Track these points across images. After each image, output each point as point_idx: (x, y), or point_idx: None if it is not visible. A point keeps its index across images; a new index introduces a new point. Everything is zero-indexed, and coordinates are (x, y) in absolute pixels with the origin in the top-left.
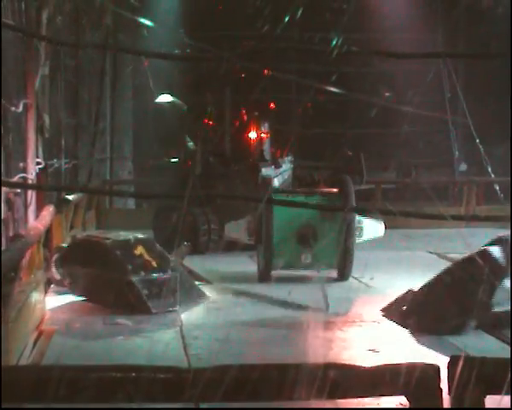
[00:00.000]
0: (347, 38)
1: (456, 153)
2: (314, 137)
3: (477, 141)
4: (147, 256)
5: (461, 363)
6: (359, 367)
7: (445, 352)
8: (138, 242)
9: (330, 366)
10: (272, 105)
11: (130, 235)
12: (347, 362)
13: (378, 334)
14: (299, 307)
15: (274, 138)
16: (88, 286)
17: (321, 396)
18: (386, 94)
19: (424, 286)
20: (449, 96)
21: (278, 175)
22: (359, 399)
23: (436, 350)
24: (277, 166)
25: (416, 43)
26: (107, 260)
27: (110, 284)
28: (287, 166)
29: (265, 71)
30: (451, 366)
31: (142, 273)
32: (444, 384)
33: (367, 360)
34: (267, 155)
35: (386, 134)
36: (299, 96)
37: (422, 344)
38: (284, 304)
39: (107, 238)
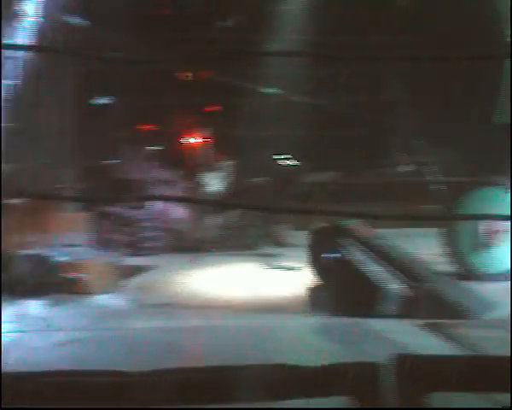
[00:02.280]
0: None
1: (399, 154)
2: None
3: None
4: None
5: (406, 361)
6: (305, 367)
7: (390, 350)
8: None
9: (277, 367)
10: (214, 109)
11: None
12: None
13: None
14: None
15: (217, 143)
16: None
17: (267, 397)
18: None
19: None
20: (394, 97)
21: (219, 180)
22: None
23: (381, 348)
24: (218, 171)
25: None
26: None
27: None
28: (228, 171)
29: (207, 73)
30: (397, 363)
31: None
32: (389, 382)
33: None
34: (208, 160)
35: (327, 136)
36: (240, 99)
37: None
38: None
39: None
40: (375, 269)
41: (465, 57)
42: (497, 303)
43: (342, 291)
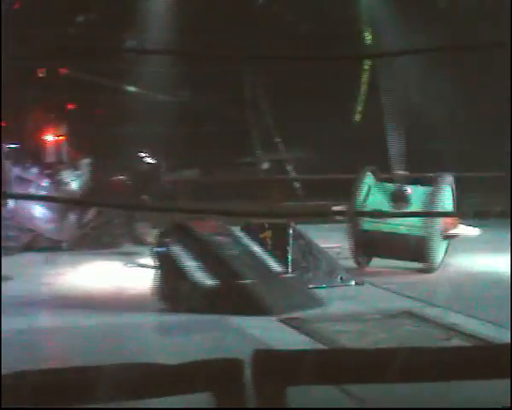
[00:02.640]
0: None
1: (260, 152)
2: (114, 138)
3: (277, 140)
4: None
5: (262, 356)
6: (159, 366)
7: (249, 346)
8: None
9: (130, 367)
10: (71, 106)
11: None
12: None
13: None
14: None
15: (74, 141)
16: None
17: (121, 397)
18: (185, 93)
19: None
20: (253, 97)
21: (77, 178)
22: None
23: (240, 344)
24: (75, 168)
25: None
26: None
27: None
28: (85, 168)
29: (62, 70)
30: (254, 359)
31: None
32: (248, 379)
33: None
34: (65, 158)
35: (188, 134)
36: (97, 95)
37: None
38: None
39: None
40: (192, 264)
41: (328, 58)
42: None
43: (165, 286)
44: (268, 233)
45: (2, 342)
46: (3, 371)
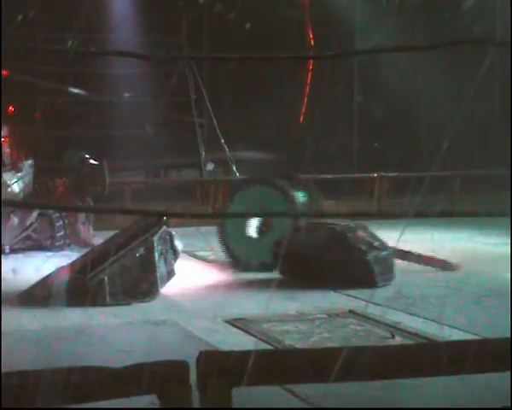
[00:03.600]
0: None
1: (203, 153)
2: (55, 139)
3: (222, 141)
4: (368, 238)
5: (207, 358)
6: (104, 369)
7: (195, 348)
8: (358, 226)
9: (73, 370)
10: (11, 108)
11: (346, 221)
12: None
13: None
14: None
15: (15, 142)
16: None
17: (65, 402)
18: (127, 94)
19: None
20: (195, 98)
21: (19, 180)
22: None
23: (185, 347)
24: (17, 170)
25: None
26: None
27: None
28: (27, 170)
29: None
30: (199, 361)
31: (374, 252)
32: (194, 380)
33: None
34: (6, 160)
35: (131, 135)
36: (38, 97)
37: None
38: None
39: (333, 223)
40: None
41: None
42: None
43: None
44: None
45: None
46: None
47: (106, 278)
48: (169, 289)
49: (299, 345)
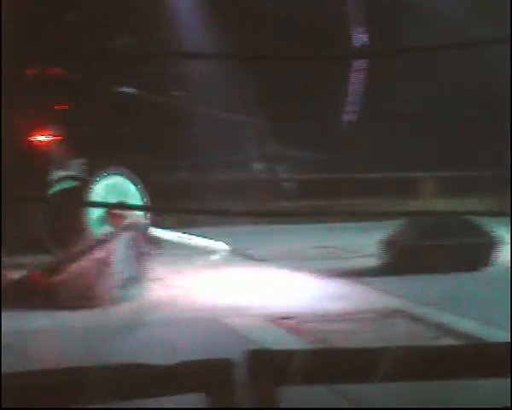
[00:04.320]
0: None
1: (253, 152)
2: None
3: (269, 141)
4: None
5: (255, 357)
6: (151, 366)
7: (241, 346)
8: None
9: (121, 367)
10: (63, 106)
11: None
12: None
13: None
14: None
15: (67, 141)
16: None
17: (113, 399)
18: (179, 94)
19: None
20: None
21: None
22: None
23: (231, 345)
24: (69, 169)
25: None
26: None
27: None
28: (76, 170)
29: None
30: (247, 360)
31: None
32: (241, 379)
33: None
34: (58, 159)
35: (182, 135)
36: (92, 97)
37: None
38: None
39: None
40: None
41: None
42: None
43: None
44: None
45: None
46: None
47: (64, 280)
48: (212, 287)
49: (346, 345)
